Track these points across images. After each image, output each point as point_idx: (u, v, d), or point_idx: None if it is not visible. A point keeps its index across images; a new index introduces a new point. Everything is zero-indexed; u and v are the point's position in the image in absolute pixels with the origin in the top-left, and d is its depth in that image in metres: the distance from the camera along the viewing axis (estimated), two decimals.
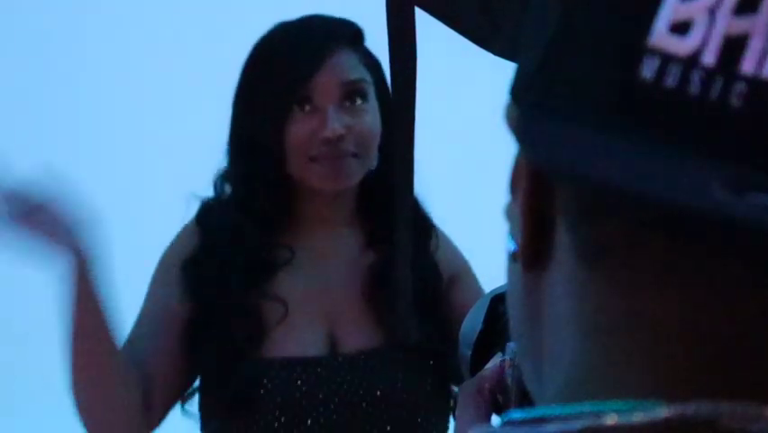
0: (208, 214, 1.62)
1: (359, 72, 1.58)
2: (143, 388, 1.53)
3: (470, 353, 0.73)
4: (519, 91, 0.46)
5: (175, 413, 1.63)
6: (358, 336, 1.59)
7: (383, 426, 1.57)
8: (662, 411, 0.41)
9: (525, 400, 0.50)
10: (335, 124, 1.52)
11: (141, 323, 1.59)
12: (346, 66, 1.57)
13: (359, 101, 1.57)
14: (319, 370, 1.55)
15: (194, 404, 1.62)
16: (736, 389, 0.41)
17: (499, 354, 0.64)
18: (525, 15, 0.47)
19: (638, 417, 0.41)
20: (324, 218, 1.62)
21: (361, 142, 1.56)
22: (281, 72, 1.55)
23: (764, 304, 0.41)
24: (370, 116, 1.59)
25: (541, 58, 0.45)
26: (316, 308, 1.60)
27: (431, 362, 1.60)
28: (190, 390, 1.61)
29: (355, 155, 1.56)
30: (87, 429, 1.53)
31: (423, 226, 1.65)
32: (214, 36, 3.38)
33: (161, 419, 1.59)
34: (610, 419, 0.41)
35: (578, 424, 0.42)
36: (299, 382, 1.54)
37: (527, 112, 0.45)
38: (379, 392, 1.56)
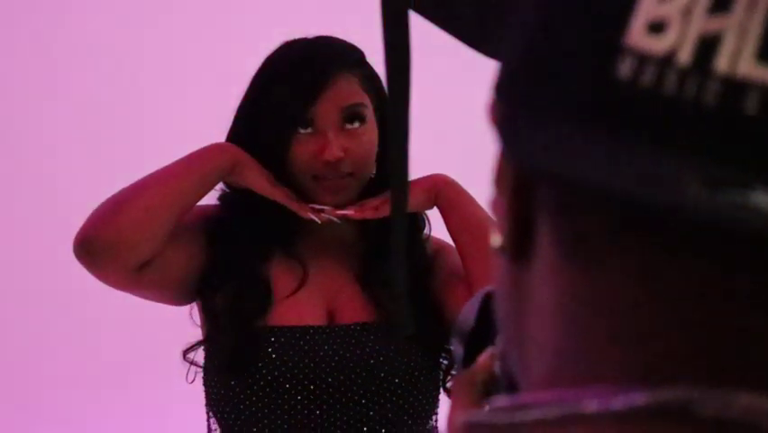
0: (229, 197, 1.80)
1: (358, 97, 1.75)
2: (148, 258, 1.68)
3: (463, 347, 0.75)
4: (502, 90, 0.47)
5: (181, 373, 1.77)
6: (353, 312, 1.78)
7: (374, 391, 1.73)
8: (640, 398, 0.42)
9: (512, 388, 0.52)
10: (335, 148, 1.70)
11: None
12: (346, 92, 1.73)
13: (357, 124, 1.74)
14: (317, 337, 1.73)
15: (188, 351, 1.78)
16: (711, 376, 0.42)
17: (490, 347, 0.66)
18: (509, 17, 0.49)
19: (617, 403, 0.42)
20: (320, 226, 1.80)
21: (358, 163, 1.75)
22: (287, 97, 1.71)
23: (734, 295, 0.42)
24: (367, 137, 1.76)
25: (522, 58, 0.46)
26: (317, 287, 1.79)
27: (420, 337, 1.73)
28: (195, 343, 1.77)
29: (352, 174, 1.75)
30: (102, 232, 1.64)
31: (414, 219, 1.83)
32: (224, 48, 3.42)
33: (142, 286, 1.71)
34: (590, 406, 0.43)
35: (558, 410, 0.43)
36: (298, 347, 1.72)
37: (509, 111, 0.46)
38: (372, 361, 1.73)
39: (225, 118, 1.81)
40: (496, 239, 0.49)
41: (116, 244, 1.62)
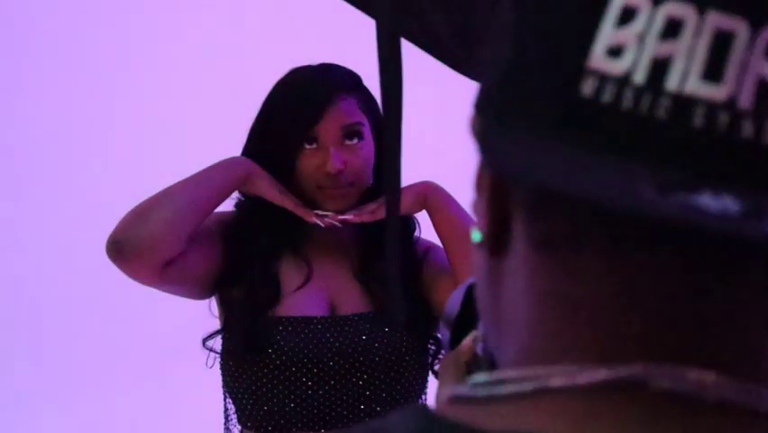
0: (245, 204, 2.00)
1: (357, 116, 1.94)
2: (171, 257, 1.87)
3: (449, 332, 0.81)
4: (482, 106, 0.52)
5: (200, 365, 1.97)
6: (352, 304, 1.98)
7: (370, 373, 1.92)
8: (602, 374, 0.47)
9: (492, 366, 0.57)
10: (336, 161, 1.90)
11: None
12: (346, 112, 1.93)
13: (356, 140, 1.94)
14: (320, 327, 1.94)
15: (207, 339, 1.99)
16: (664, 356, 0.47)
17: (473, 332, 0.71)
18: (488, 41, 0.53)
19: (580, 378, 0.47)
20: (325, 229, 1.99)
21: (357, 174, 1.94)
22: (294, 117, 1.92)
23: (685, 285, 0.47)
24: (365, 152, 1.95)
25: (499, 77, 0.50)
26: (321, 283, 1.99)
27: (411, 326, 1.95)
28: (214, 331, 1.98)
29: (352, 184, 1.94)
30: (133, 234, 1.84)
31: (406, 221, 2.03)
32: (235, 65, 3.49)
33: (167, 282, 1.90)
34: (556, 381, 0.48)
35: (529, 385, 0.48)
36: (303, 335, 1.92)
37: (488, 124, 0.50)
38: (368, 347, 1.92)
39: (232, 128, 2.02)
40: (476, 236, 0.54)
41: (143, 247, 1.82)
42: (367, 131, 1.97)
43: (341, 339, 1.94)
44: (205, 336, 1.99)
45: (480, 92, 0.52)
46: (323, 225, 1.94)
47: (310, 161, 1.93)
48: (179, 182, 1.92)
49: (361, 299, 1.99)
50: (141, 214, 1.85)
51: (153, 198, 1.89)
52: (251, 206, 1.99)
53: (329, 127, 1.92)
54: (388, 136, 0.87)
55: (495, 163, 0.50)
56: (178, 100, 3.53)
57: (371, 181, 1.98)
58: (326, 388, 1.92)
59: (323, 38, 2.17)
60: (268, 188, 1.95)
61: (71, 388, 3.51)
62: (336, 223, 1.94)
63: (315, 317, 1.95)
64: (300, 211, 1.94)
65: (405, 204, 1.90)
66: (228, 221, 2.00)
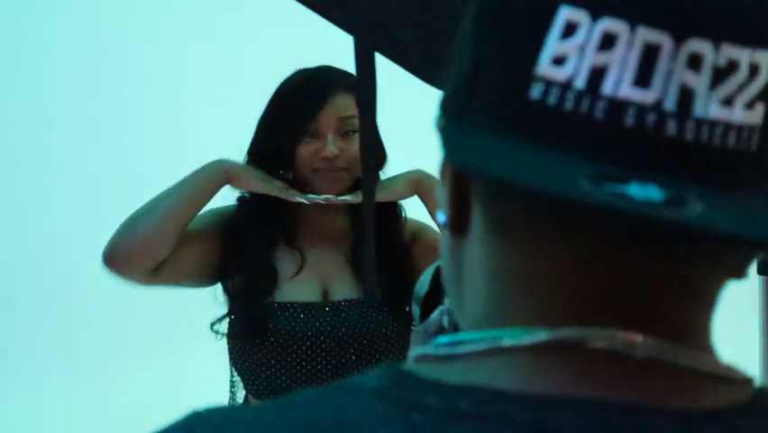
0: (243, 201, 2.16)
1: (351, 110, 2.08)
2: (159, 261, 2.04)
3: (419, 307, 0.88)
4: (445, 107, 0.57)
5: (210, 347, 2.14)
6: (343, 291, 2.14)
7: (359, 353, 2.08)
8: (544, 335, 0.53)
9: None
10: (332, 147, 2.06)
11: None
12: (342, 106, 2.09)
13: (351, 131, 2.09)
14: (314, 311, 2.10)
15: (214, 324, 2.14)
16: (599, 320, 0.54)
17: (440, 307, 0.78)
18: (451, 52, 0.59)
19: (526, 339, 0.54)
20: (320, 211, 2.15)
21: (351, 161, 2.08)
22: (297, 110, 2.08)
23: (615, 262, 0.53)
24: (358, 142, 2.04)
25: (460, 82, 0.56)
26: (314, 271, 2.15)
27: (396, 310, 2.11)
28: (220, 316, 2.13)
29: (345, 170, 2.09)
30: (126, 242, 2.02)
31: (392, 209, 2.18)
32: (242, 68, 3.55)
33: (160, 282, 2.07)
34: (506, 341, 0.54)
35: (483, 345, 0.55)
36: (299, 319, 2.08)
37: (450, 123, 0.56)
38: (358, 329, 2.08)
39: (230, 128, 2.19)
40: (441, 217, 0.60)
41: (131, 255, 2.01)
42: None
43: (333, 323, 2.09)
44: (213, 320, 2.14)
45: (445, 95, 0.58)
46: (307, 202, 2.09)
47: (309, 148, 2.08)
48: (163, 192, 2.07)
49: (353, 286, 2.14)
50: (128, 225, 2.02)
51: (140, 209, 2.05)
52: (251, 201, 2.15)
53: (327, 119, 2.07)
54: (364, 134, 0.94)
55: (455, 158, 0.55)
56: (177, 103, 3.56)
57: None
58: (320, 367, 2.08)
59: (321, 42, 2.31)
60: (252, 181, 2.10)
61: (96, 362, 3.64)
62: (320, 200, 2.09)
63: (310, 303, 2.11)
64: (284, 194, 2.09)
65: (399, 190, 2.11)
66: (227, 216, 2.16)
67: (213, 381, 2.48)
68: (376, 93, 0.93)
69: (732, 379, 0.56)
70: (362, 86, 0.96)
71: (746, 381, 0.57)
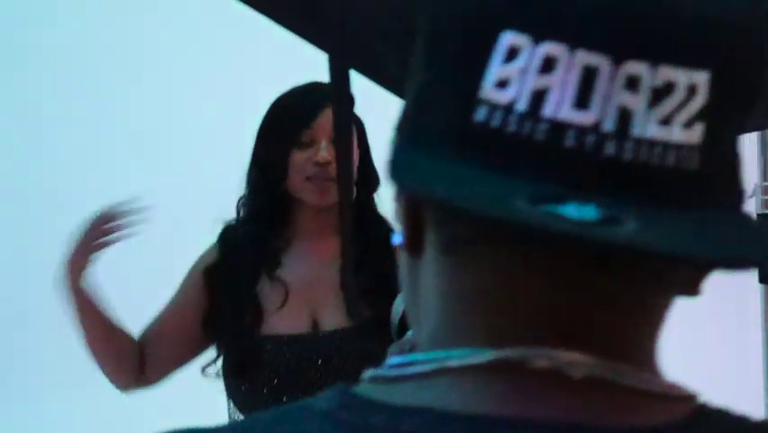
0: (227, 234, 2.20)
1: None
2: (138, 359, 2.15)
3: (396, 324, 0.90)
4: (399, 127, 0.58)
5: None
6: (334, 319, 2.11)
7: (353, 382, 1.94)
8: (488, 355, 0.54)
9: None
10: (324, 152, 2.09)
11: (159, 315, 2.19)
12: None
13: None
14: (304, 344, 2.09)
15: (206, 367, 2.18)
16: (543, 339, 0.54)
17: None
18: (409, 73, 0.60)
19: (471, 359, 0.54)
20: (312, 229, 2.17)
21: None
22: (291, 122, 2.14)
23: (555, 280, 0.54)
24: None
25: (410, 104, 0.57)
26: (303, 299, 2.14)
27: (387, 336, 1.98)
28: (212, 360, 2.16)
29: (335, 181, 2.04)
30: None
31: (381, 226, 2.19)
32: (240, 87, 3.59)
33: (156, 380, 2.20)
34: (452, 362, 0.55)
35: (432, 366, 0.56)
36: (289, 354, 2.08)
37: (401, 145, 0.57)
38: (351, 362, 2.06)
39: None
40: (397, 238, 0.60)
41: (108, 377, 2.16)
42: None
43: (324, 357, 2.08)
44: (203, 365, 2.18)
45: (400, 116, 0.59)
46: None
47: (302, 156, 2.12)
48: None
49: (342, 314, 2.10)
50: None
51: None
52: (232, 235, 2.19)
53: (321, 127, 2.12)
54: (339, 151, 0.95)
55: (402, 182, 0.56)
56: (178, 108, 3.59)
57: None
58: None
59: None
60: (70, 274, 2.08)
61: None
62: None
63: (299, 335, 2.11)
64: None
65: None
66: (208, 255, 2.19)
67: (214, 394, 2.50)
68: (353, 111, 0.93)
69: (674, 396, 0.56)
70: (337, 105, 0.96)
71: (689, 397, 0.57)
